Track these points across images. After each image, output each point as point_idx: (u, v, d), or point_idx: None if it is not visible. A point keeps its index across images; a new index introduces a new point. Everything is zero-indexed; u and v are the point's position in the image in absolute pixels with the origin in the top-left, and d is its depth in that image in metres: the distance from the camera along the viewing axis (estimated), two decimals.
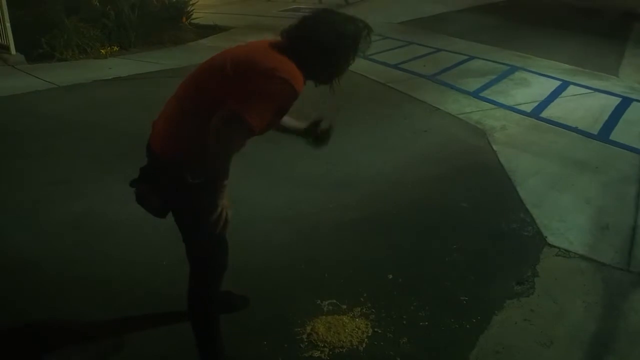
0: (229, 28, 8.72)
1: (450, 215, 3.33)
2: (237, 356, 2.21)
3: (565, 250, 2.97)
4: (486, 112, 5.02)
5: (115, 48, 7.19)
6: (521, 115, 4.94)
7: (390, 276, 2.73)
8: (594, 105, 5.19)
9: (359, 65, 2.26)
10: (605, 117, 4.85)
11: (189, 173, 1.81)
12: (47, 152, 4.13)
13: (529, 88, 5.71)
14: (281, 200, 3.45)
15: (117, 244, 2.97)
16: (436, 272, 2.79)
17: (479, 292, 2.63)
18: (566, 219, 3.26)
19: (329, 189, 3.62)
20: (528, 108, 5.10)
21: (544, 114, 4.96)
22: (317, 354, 2.24)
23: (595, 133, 4.53)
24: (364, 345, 2.29)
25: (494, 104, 5.22)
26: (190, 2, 8.55)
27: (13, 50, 6.52)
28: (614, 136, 4.47)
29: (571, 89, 5.66)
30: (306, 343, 2.30)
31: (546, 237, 3.08)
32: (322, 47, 1.80)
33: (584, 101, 5.32)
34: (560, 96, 5.45)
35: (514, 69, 6.34)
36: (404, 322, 2.43)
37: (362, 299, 2.55)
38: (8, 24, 6.43)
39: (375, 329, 2.37)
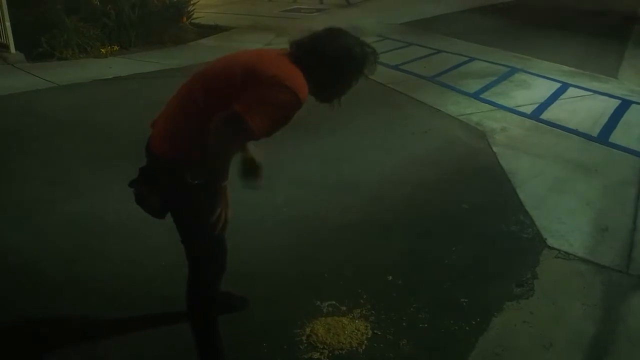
0: (230, 28, 8.72)
1: (450, 217, 3.33)
2: (236, 357, 2.20)
3: (565, 252, 2.97)
4: (486, 114, 5.02)
5: (116, 47, 7.18)
6: (521, 117, 4.95)
7: (390, 277, 2.73)
8: (593, 107, 5.20)
9: None
10: (605, 120, 4.86)
11: (188, 174, 1.81)
12: (47, 151, 4.13)
13: (529, 90, 5.71)
14: (281, 201, 3.45)
15: (117, 244, 2.97)
16: (436, 273, 2.79)
17: (478, 294, 2.63)
18: (566, 221, 3.27)
19: (329, 190, 3.62)
20: (528, 110, 5.10)
21: (544, 116, 4.96)
22: (316, 355, 2.24)
23: (595, 135, 4.54)
24: (363, 346, 2.29)
25: (494, 106, 5.23)
26: (191, 2, 8.55)
27: (13, 49, 6.52)
28: (613, 138, 4.47)
29: (571, 91, 5.66)
30: (305, 344, 2.30)
31: (546, 239, 3.08)
32: (330, 63, 1.82)
33: (583, 103, 5.33)
34: (560, 98, 5.45)
35: (514, 71, 6.35)
36: (404, 323, 2.43)
37: (361, 301, 2.55)
38: (8, 23, 6.43)
39: (375, 331, 2.37)
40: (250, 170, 2.07)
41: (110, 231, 3.09)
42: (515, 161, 4.05)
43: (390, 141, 4.45)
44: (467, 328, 2.40)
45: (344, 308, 2.50)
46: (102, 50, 6.99)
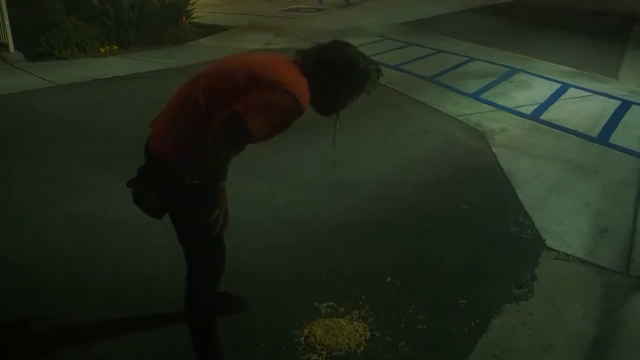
0: (229, 27, 8.71)
1: (449, 218, 3.32)
2: (235, 358, 2.20)
3: (564, 253, 2.96)
4: (486, 114, 5.01)
5: (115, 47, 7.18)
6: (521, 118, 4.94)
7: (389, 279, 2.73)
8: (593, 108, 5.19)
9: None
10: (605, 120, 4.85)
11: (187, 174, 1.81)
12: (46, 151, 4.12)
13: (528, 90, 5.71)
14: (280, 202, 3.44)
15: (116, 244, 2.97)
16: (435, 275, 2.79)
17: (477, 295, 2.63)
18: (565, 222, 3.26)
19: (328, 191, 3.61)
20: (528, 110, 5.10)
21: (544, 117, 4.96)
22: (314, 356, 2.23)
23: (595, 136, 4.53)
24: (361, 348, 2.28)
25: (494, 106, 5.22)
26: (190, 2, 8.55)
27: (12, 49, 6.51)
28: (613, 139, 4.47)
29: (571, 92, 5.65)
30: (304, 346, 2.29)
31: (545, 240, 3.07)
32: (335, 73, 1.83)
33: (583, 104, 5.32)
34: (560, 99, 5.45)
35: (514, 71, 6.34)
36: (402, 325, 2.42)
37: (360, 302, 2.55)
38: (7, 22, 6.42)
39: (374, 332, 2.37)
40: None
41: (109, 231, 3.08)
42: (515, 162, 4.04)
43: (389, 142, 4.45)
44: (466, 329, 2.40)
45: (342, 309, 2.50)
46: (102, 49, 6.98)
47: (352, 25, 8.87)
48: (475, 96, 5.50)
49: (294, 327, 2.38)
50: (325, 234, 3.12)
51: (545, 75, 6.17)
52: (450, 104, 5.29)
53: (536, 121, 4.87)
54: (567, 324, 2.46)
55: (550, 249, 3.00)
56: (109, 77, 6.03)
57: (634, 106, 5.21)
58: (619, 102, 5.30)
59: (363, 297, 2.58)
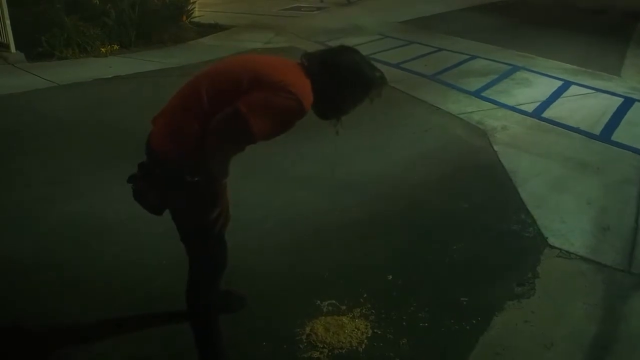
0: (230, 27, 8.70)
1: (451, 216, 3.32)
2: (236, 356, 2.20)
3: (566, 251, 2.96)
4: (487, 112, 5.00)
5: (116, 47, 7.18)
6: (522, 116, 4.93)
7: (390, 277, 2.72)
8: (595, 105, 5.17)
9: None
10: (607, 118, 4.83)
11: (188, 172, 1.80)
12: (47, 151, 4.12)
13: (530, 88, 5.69)
14: (281, 201, 3.44)
15: (116, 244, 2.97)
16: (436, 273, 2.78)
17: (479, 293, 2.62)
18: (567, 220, 3.25)
19: (330, 190, 3.60)
20: (529, 108, 5.08)
21: (546, 114, 4.94)
22: (316, 354, 2.23)
23: (597, 134, 4.52)
24: (363, 346, 2.28)
25: (495, 104, 5.21)
26: (191, 1, 8.55)
27: (13, 49, 6.51)
28: (615, 137, 4.45)
29: (573, 89, 5.64)
30: (305, 344, 2.29)
31: (547, 238, 3.07)
32: (340, 78, 1.83)
33: (585, 101, 5.31)
34: (562, 96, 5.43)
35: (515, 69, 6.33)
36: (404, 323, 2.42)
37: (361, 300, 2.54)
38: (8, 22, 6.42)
39: (375, 330, 2.37)
40: None
41: (110, 231, 3.08)
42: (517, 160, 4.03)
43: (391, 140, 4.44)
44: (467, 327, 2.39)
45: (344, 307, 2.49)
46: (102, 49, 6.98)
47: (352, 23, 8.86)
48: (477, 94, 5.49)
49: (295, 325, 2.38)
50: (326, 232, 3.11)
51: (547, 73, 6.15)
52: (451, 102, 5.27)
53: (538, 119, 4.86)
54: (569, 322, 2.45)
55: (552, 247, 2.99)
56: (109, 76, 6.03)
57: (636, 103, 5.19)
58: (621, 100, 5.28)
59: (365, 295, 2.57)
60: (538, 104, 5.20)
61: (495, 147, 4.24)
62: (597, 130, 4.57)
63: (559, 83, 5.81)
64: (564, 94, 5.49)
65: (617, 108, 5.07)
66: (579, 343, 2.33)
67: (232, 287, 2.45)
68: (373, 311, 2.48)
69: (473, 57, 6.83)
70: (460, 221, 3.26)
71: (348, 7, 10.71)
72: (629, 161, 4.03)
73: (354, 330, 2.35)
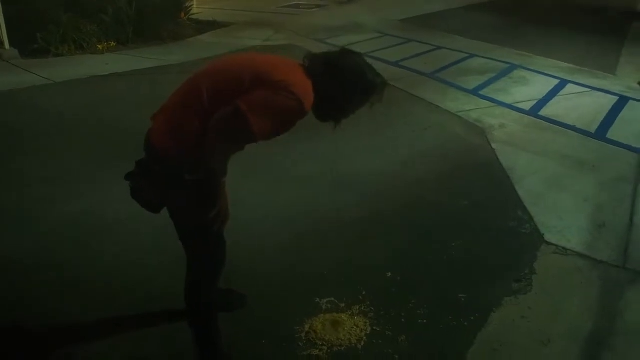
0: (229, 24, 8.68)
1: (449, 214, 3.34)
2: (236, 355, 2.21)
3: (563, 248, 2.98)
4: (485, 110, 5.02)
5: (113, 44, 7.14)
6: (520, 114, 4.95)
7: (389, 274, 2.74)
8: (591, 104, 5.21)
9: None
10: (603, 116, 4.87)
11: (187, 170, 1.81)
12: (44, 149, 4.11)
13: (527, 86, 5.72)
14: (280, 200, 3.45)
15: (116, 243, 2.96)
16: (434, 270, 2.80)
17: (477, 290, 2.64)
18: (564, 217, 3.28)
19: (329, 188, 3.62)
20: (527, 106, 5.11)
21: (543, 113, 4.97)
22: (315, 352, 2.25)
23: (593, 132, 4.55)
24: (362, 343, 2.30)
25: (493, 102, 5.23)
26: None
27: (7, 45, 6.45)
28: (611, 135, 4.48)
29: (569, 88, 5.67)
30: (305, 341, 2.30)
31: (544, 235, 3.09)
32: (342, 80, 1.83)
33: (582, 100, 5.34)
34: (558, 94, 5.46)
35: (513, 67, 6.35)
36: (403, 320, 2.44)
37: (360, 297, 2.56)
38: (2, 18, 6.35)
39: (374, 327, 2.38)
40: None
41: (109, 230, 3.08)
42: (514, 157, 4.06)
43: (389, 138, 4.45)
44: (465, 324, 2.42)
45: (343, 305, 2.51)
46: (99, 46, 6.94)
47: (351, 21, 8.85)
48: (475, 92, 5.51)
49: (294, 323, 2.39)
50: (325, 230, 3.12)
51: (544, 72, 6.18)
52: (450, 100, 5.29)
53: (535, 117, 4.88)
54: (566, 318, 2.48)
55: (549, 244, 3.01)
56: (106, 74, 6.00)
57: (631, 102, 5.22)
58: (616, 98, 5.32)
59: (363, 293, 2.59)
60: (535, 102, 5.23)
61: (493, 145, 4.26)
62: (592, 129, 4.60)
63: (556, 81, 5.84)
64: (561, 93, 5.52)
65: (613, 106, 5.11)
66: (576, 338, 2.36)
67: (231, 286, 2.46)
68: (372, 308, 2.49)
69: (471, 56, 6.85)
70: (459, 219, 3.29)
71: (347, 5, 10.70)
72: (624, 159, 4.06)
73: (353, 328, 2.37)
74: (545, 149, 4.22)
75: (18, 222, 3.17)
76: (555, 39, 7.88)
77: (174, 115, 1.86)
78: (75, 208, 3.30)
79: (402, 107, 5.08)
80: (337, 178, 3.74)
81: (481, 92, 5.51)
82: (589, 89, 5.62)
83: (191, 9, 8.61)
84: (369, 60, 1.97)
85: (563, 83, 5.80)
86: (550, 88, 5.63)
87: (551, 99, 5.33)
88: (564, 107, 5.11)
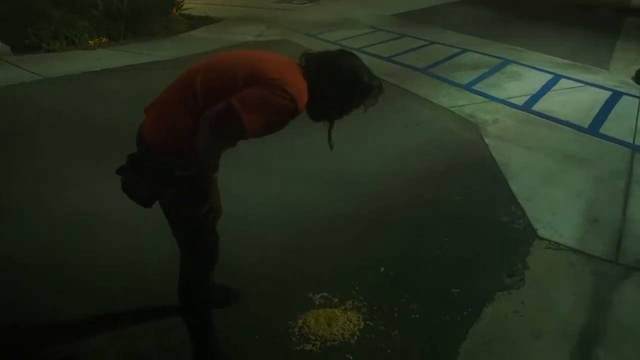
0: (221, 19, 8.63)
1: (442, 209, 3.34)
2: (229, 350, 2.20)
3: (556, 242, 2.99)
4: (478, 106, 5.03)
5: (104, 39, 7.09)
6: (513, 109, 4.96)
7: (382, 269, 2.74)
8: (585, 99, 5.22)
9: None
10: (596, 111, 4.88)
11: (179, 166, 1.79)
12: (35, 146, 4.07)
13: (521, 81, 5.72)
14: (273, 195, 3.44)
15: (108, 241, 2.94)
16: (427, 265, 2.80)
17: (469, 284, 2.65)
18: (556, 212, 3.29)
19: (321, 183, 3.61)
20: (520, 101, 5.12)
21: (536, 108, 4.98)
22: (308, 347, 2.25)
23: (586, 127, 4.56)
24: (355, 338, 2.30)
25: (486, 97, 5.23)
26: None
27: None
28: (604, 130, 4.50)
29: (562, 83, 5.68)
30: (298, 336, 2.30)
31: (537, 229, 3.10)
32: (337, 80, 1.81)
33: (575, 95, 5.35)
34: (551, 90, 5.47)
35: (506, 62, 6.35)
36: (396, 315, 2.44)
37: (353, 292, 2.56)
38: None
39: (367, 322, 2.38)
40: None
41: (102, 226, 3.06)
42: (507, 153, 4.06)
43: (382, 133, 4.44)
44: (458, 318, 2.42)
45: (336, 300, 2.51)
46: (90, 42, 6.89)
47: (344, 16, 8.83)
48: (468, 87, 5.51)
49: (287, 318, 2.39)
50: (318, 226, 3.12)
51: (537, 67, 6.19)
52: (443, 95, 5.29)
53: (528, 112, 4.89)
54: (558, 312, 2.49)
55: (541, 239, 3.02)
56: (98, 69, 5.95)
57: (624, 97, 5.24)
58: (609, 93, 5.33)
59: (357, 288, 2.59)
60: (528, 97, 5.24)
61: (486, 140, 4.27)
62: (586, 124, 4.62)
63: (549, 76, 5.85)
64: (554, 88, 5.53)
65: (606, 101, 5.13)
66: (568, 333, 2.37)
67: (224, 281, 2.45)
68: (365, 303, 2.49)
69: (464, 51, 6.85)
70: (452, 214, 3.29)
71: (340, 0, 10.66)
72: (617, 154, 4.08)
73: (346, 323, 2.37)
74: (538, 144, 4.23)
75: (10, 218, 3.14)
76: (549, 34, 7.89)
77: (167, 111, 1.84)
78: (67, 204, 3.27)
79: (395, 102, 5.08)
80: (329, 173, 3.73)
81: (474, 87, 5.51)
82: (583, 84, 5.63)
83: (183, 4, 8.55)
84: (362, 56, 1.96)
85: (556, 78, 5.81)
86: (544, 83, 5.64)
87: (544, 94, 5.34)
88: (557, 102, 5.12)
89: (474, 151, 4.14)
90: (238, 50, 1.96)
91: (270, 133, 1.81)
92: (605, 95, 5.29)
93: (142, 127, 1.89)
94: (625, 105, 5.04)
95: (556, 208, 3.33)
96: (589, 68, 6.20)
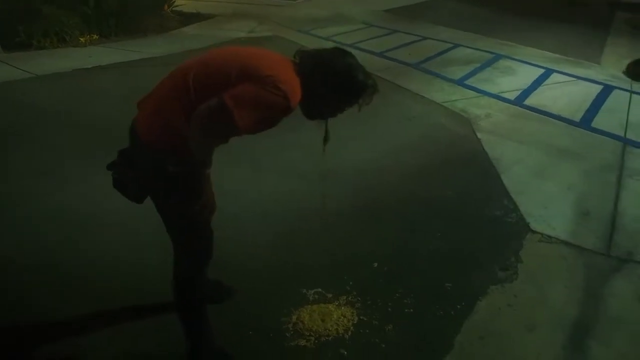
0: (212, 16, 8.59)
1: (435, 204, 3.35)
2: (224, 346, 2.20)
3: (548, 236, 3.01)
4: (470, 100, 5.04)
5: (95, 36, 7.04)
6: (505, 103, 4.97)
7: (376, 265, 2.74)
8: (576, 93, 5.25)
9: None
10: (587, 105, 4.91)
11: (171, 162, 1.78)
12: (27, 143, 4.04)
13: (513, 76, 5.74)
14: (266, 191, 3.43)
15: (102, 237, 2.92)
16: (421, 260, 2.81)
17: (463, 279, 2.66)
18: (549, 205, 3.31)
19: (315, 179, 3.60)
20: (512, 96, 5.14)
21: (528, 102, 5.00)
22: (303, 342, 2.25)
23: (578, 121, 4.59)
24: (349, 333, 2.30)
25: (479, 92, 5.24)
26: None
27: None
28: (595, 124, 4.52)
29: (554, 77, 5.70)
30: (292, 332, 2.30)
31: (529, 223, 3.12)
32: (332, 79, 1.81)
33: (566, 89, 5.38)
34: (543, 84, 5.49)
35: (498, 57, 6.37)
36: (389, 309, 2.44)
37: (347, 288, 2.56)
38: None
39: (361, 317, 2.39)
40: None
41: (95, 224, 3.03)
42: (500, 147, 4.08)
43: (375, 129, 4.44)
44: (452, 312, 2.43)
45: (330, 295, 2.51)
46: (81, 39, 6.83)
47: (336, 12, 8.81)
48: (460, 82, 5.52)
49: (282, 314, 2.39)
50: (311, 222, 3.11)
51: (529, 61, 6.21)
52: (435, 90, 5.30)
53: (520, 107, 4.91)
54: (551, 305, 2.50)
55: (534, 232, 3.04)
56: (89, 67, 5.91)
57: (615, 91, 5.27)
58: (601, 87, 5.37)
59: (350, 283, 2.59)
60: (520, 91, 5.26)
61: (479, 135, 4.28)
62: (577, 118, 4.64)
63: (541, 71, 5.87)
64: (546, 82, 5.56)
65: (597, 95, 5.16)
66: (561, 325, 2.38)
67: (218, 277, 2.45)
68: (359, 299, 2.50)
69: (456, 46, 6.86)
70: (445, 208, 3.29)
71: None
72: (608, 147, 4.10)
73: (340, 318, 2.37)
74: (530, 139, 4.25)
75: (3, 216, 3.11)
76: (540, 29, 7.92)
77: (160, 108, 1.83)
78: (60, 201, 3.25)
79: (388, 97, 5.07)
80: (323, 169, 3.72)
81: (466, 82, 5.52)
82: (574, 78, 5.66)
83: (174, 1, 8.50)
84: (354, 52, 1.96)
85: (548, 72, 5.83)
86: (535, 77, 5.66)
87: (536, 88, 5.37)
88: (549, 96, 5.15)
89: (466, 146, 4.15)
90: (231, 47, 1.95)
91: (263, 130, 1.80)
92: (596, 89, 5.32)
93: (135, 122, 1.88)
94: (616, 99, 5.07)
95: (548, 202, 3.35)
96: (580, 62, 6.24)
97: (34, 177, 3.56)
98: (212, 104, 1.67)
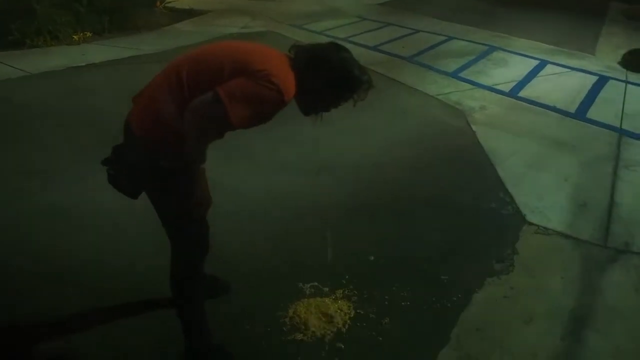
0: (205, 12, 8.53)
1: (431, 196, 3.34)
2: (220, 341, 2.19)
3: (544, 227, 3.01)
4: (465, 93, 5.03)
5: (88, 34, 6.98)
6: (500, 95, 4.97)
7: (372, 258, 2.74)
8: (571, 84, 5.25)
9: None
10: (582, 96, 4.91)
11: (165, 158, 1.78)
12: (22, 141, 4.01)
13: (507, 68, 5.74)
14: (261, 185, 3.42)
15: (98, 234, 2.91)
16: (417, 252, 2.81)
17: (459, 271, 2.66)
18: (545, 197, 3.31)
19: (310, 173, 3.59)
20: (506, 88, 5.13)
21: (523, 94, 4.99)
22: (299, 336, 2.24)
23: (573, 112, 4.59)
24: (346, 326, 2.30)
25: (473, 85, 5.24)
26: None
27: None
28: (590, 114, 4.52)
29: (549, 68, 5.70)
30: (289, 326, 2.30)
31: (525, 215, 3.11)
32: (327, 74, 1.79)
33: (561, 80, 5.38)
34: (538, 75, 5.49)
35: (492, 49, 6.36)
36: (386, 302, 2.44)
37: (344, 281, 2.56)
38: None
39: (358, 310, 2.38)
40: None
41: (90, 221, 3.02)
42: (495, 139, 4.07)
43: (369, 122, 4.43)
44: (449, 304, 2.43)
45: (326, 289, 2.51)
46: (74, 36, 6.78)
47: (330, 6, 8.77)
48: (455, 75, 5.51)
49: (278, 308, 2.39)
50: (307, 216, 3.10)
51: (523, 53, 6.21)
52: (429, 83, 5.28)
53: (515, 98, 4.91)
54: (548, 296, 2.50)
55: (530, 224, 3.04)
56: (83, 64, 5.87)
57: (610, 81, 5.28)
58: (595, 78, 5.37)
59: (347, 277, 2.58)
60: (515, 83, 5.25)
61: (474, 127, 4.27)
62: (572, 109, 4.64)
63: (535, 62, 5.87)
64: (540, 74, 5.55)
65: (592, 86, 5.16)
66: (558, 317, 2.38)
67: (214, 272, 2.44)
68: (355, 292, 2.49)
69: (450, 39, 6.85)
70: (440, 201, 3.29)
71: None
72: (603, 138, 4.11)
73: (337, 312, 2.37)
74: (525, 130, 4.25)
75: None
76: (534, 20, 7.91)
77: (154, 103, 1.82)
78: (54, 198, 3.22)
79: (382, 91, 5.05)
80: (318, 162, 3.72)
81: (461, 75, 5.51)
82: (569, 70, 5.66)
83: None
84: (348, 45, 1.95)
85: (543, 64, 5.83)
86: (530, 69, 5.66)
87: (531, 80, 5.36)
88: (544, 87, 5.14)
89: (461, 138, 4.14)
90: (225, 42, 1.94)
91: (257, 124, 1.79)
92: (591, 80, 5.32)
93: (130, 116, 1.87)
94: (611, 90, 5.07)
95: (544, 193, 3.35)
96: (575, 53, 6.24)
97: (26, 174, 3.53)
98: (205, 99, 1.67)
